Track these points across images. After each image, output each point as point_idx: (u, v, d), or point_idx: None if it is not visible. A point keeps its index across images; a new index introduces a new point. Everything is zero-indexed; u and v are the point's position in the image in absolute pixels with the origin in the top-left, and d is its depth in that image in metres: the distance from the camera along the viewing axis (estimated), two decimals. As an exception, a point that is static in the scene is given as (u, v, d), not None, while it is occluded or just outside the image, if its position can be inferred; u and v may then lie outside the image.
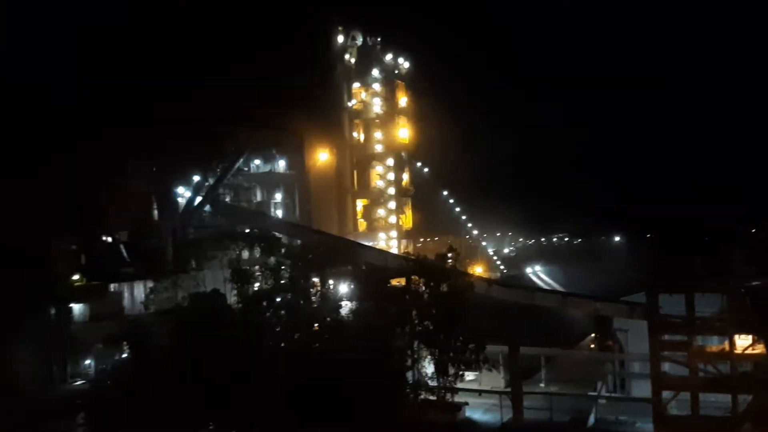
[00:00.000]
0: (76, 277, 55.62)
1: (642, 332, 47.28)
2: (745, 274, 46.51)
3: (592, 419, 49.56)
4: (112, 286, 56.40)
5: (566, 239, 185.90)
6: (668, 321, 45.48)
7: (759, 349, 44.53)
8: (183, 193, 70.34)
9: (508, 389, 52.22)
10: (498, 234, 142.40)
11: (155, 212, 67.59)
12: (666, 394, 45.40)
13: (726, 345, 45.12)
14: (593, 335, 66.22)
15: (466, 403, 51.74)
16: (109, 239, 63.96)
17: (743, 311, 44.39)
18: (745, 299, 45.18)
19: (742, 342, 45.05)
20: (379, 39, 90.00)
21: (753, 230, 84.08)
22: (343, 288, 52.81)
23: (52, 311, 50.60)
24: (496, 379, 54.82)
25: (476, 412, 52.25)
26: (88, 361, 50.91)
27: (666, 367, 46.31)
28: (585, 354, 63.87)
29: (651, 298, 46.54)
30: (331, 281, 51.63)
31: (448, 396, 48.96)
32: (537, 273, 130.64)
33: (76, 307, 52.18)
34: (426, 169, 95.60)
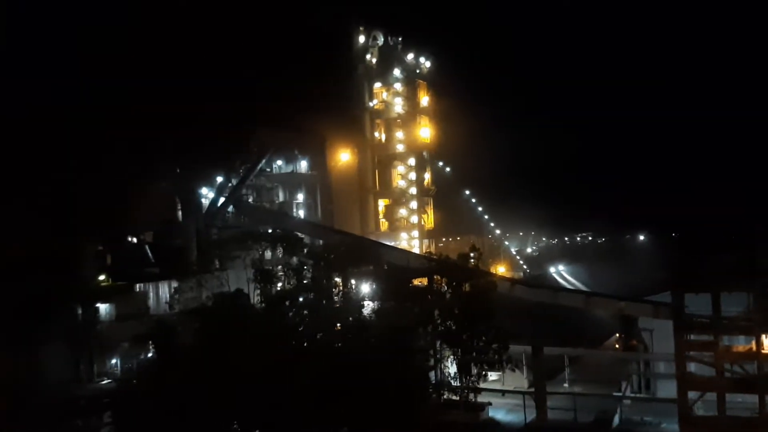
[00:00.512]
0: (102, 277, 56.42)
1: (667, 332, 46.71)
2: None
3: (616, 420, 49.11)
4: (138, 286, 57.09)
5: (590, 238, 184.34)
6: (694, 321, 44.84)
7: (788, 349, 43.80)
8: (206, 194, 71.01)
9: (532, 389, 51.93)
10: (521, 233, 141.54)
11: (179, 213, 68.33)
12: (692, 394, 44.80)
13: (753, 345, 44.40)
14: (618, 335, 65.58)
15: (489, 403, 51.54)
16: (134, 240, 64.78)
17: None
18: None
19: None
20: (400, 39, 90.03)
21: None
22: (366, 288, 52.96)
23: (80, 311, 51.36)
24: (519, 379, 54.58)
25: (499, 412, 52.03)
26: (114, 360, 51.64)
27: (692, 367, 45.71)
28: (609, 354, 63.31)
29: (677, 298, 45.92)
30: (353, 281, 51.80)
31: (471, 396, 48.82)
32: (560, 272, 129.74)
33: (103, 307, 52.96)
34: (448, 169, 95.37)
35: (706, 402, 44.97)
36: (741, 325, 44.46)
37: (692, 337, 45.21)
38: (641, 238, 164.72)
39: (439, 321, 48.72)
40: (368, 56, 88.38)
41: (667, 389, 48.76)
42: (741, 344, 46.74)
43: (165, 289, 56.82)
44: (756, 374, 43.38)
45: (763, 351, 43.66)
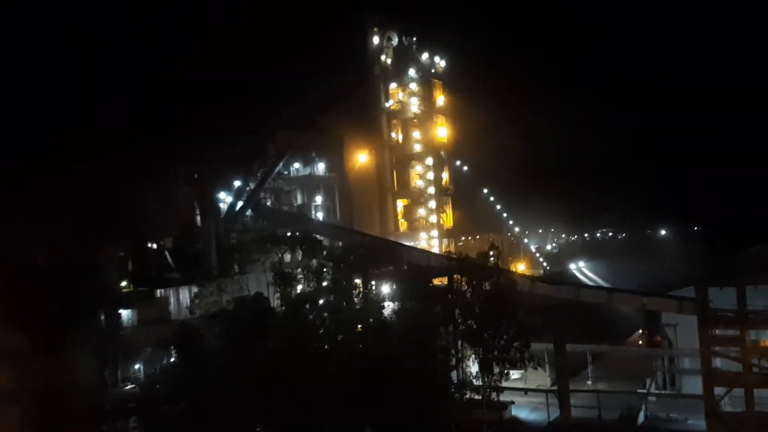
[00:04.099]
0: (123, 283, 56.90)
1: (692, 327, 46.17)
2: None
3: (641, 417, 48.59)
4: (159, 292, 57.50)
5: (610, 234, 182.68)
6: (719, 315, 44.24)
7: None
8: (225, 198, 71.37)
9: (555, 387, 51.54)
10: (540, 231, 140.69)
11: (198, 218, 68.74)
12: (718, 390, 44.16)
13: (781, 339, 43.75)
14: (641, 331, 64.90)
15: (512, 402, 51.24)
16: (155, 245, 65.25)
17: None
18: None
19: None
20: (414, 39, 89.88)
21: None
22: (386, 288, 52.84)
23: (103, 317, 51.81)
24: (542, 377, 54.20)
25: (523, 410, 51.73)
26: (137, 366, 52.00)
27: (717, 362, 45.06)
28: (633, 350, 62.60)
29: (701, 292, 45.33)
30: (373, 282, 51.70)
31: (494, 395, 48.51)
32: (581, 269, 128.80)
33: (125, 313, 53.40)
34: (465, 168, 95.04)
35: (734, 398, 44.33)
36: (767, 318, 43.78)
37: (717, 332, 44.59)
38: (663, 232, 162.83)
39: (460, 320, 48.46)
40: (383, 57, 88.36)
41: (693, 385, 48.19)
42: (768, 338, 46.03)
43: (186, 294, 57.13)
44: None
45: (791, 345, 43.00)
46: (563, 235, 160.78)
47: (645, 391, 52.14)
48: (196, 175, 67.88)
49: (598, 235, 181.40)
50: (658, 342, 56.51)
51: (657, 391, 52.48)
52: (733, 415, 43.67)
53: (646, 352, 57.94)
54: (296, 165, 79.58)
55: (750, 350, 43.56)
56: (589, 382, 55.52)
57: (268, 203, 75.99)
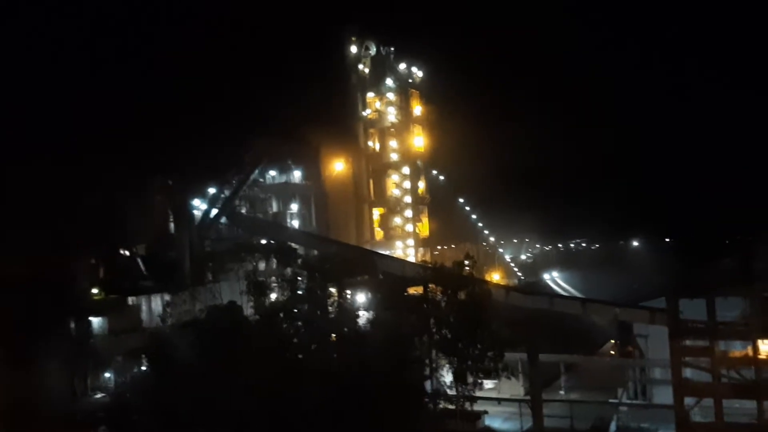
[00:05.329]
0: (95, 290, 56.04)
1: (663, 338, 46.68)
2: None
3: (613, 427, 49.04)
4: (131, 300, 56.72)
5: (584, 245, 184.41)
6: (690, 326, 44.81)
7: (784, 354, 43.75)
8: (199, 206, 70.74)
9: (528, 397, 51.76)
10: (515, 240, 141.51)
11: (172, 225, 68.01)
12: (688, 400, 44.67)
13: (750, 350, 44.34)
14: (613, 341, 65.53)
15: (486, 412, 51.35)
16: (127, 253, 64.43)
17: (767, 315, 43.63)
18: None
19: (767, 347, 44.27)
20: (392, 48, 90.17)
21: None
22: (361, 298, 52.70)
23: (73, 325, 50.99)
24: (515, 387, 54.38)
25: (496, 420, 51.88)
26: (108, 375, 51.21)
27: (688, 372, 45.60)
28: (605, 361, 63.23)
29: (672, 303, 45.90)
30: (348, 291, 51.54)
31: (467, 405, 48.57)
32: (555, 279, 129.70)
33: (96, 321, 52.54)
34: (442, 177, 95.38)
35: (703, 408, 44.85)
36: (737, 330, 44.41)
37: (688, 342, 45.16)
38: (635, 243, 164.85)
39: (434, 330, 48.51)
40: (361, 66, 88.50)
41: (664, 396, 48.68)
42: (737, 350, 46.68)
43: (158, 303, 56.46)
44: (753, 379, 43.30)
45: (760, 356, 43.62)
46: (537, 245, 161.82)
47: (617, 401, 52.60)
48: (170, 183, 67.18)
49: (572, 245, 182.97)
50: (630, 352, 57.10)
51: (628, 401, 52.95)
52: (702, 425, 44.18)
53: (618, 363, 58.51)
54: (272, 173, 79.13)
55: (719, 361, 44.14)
56: (562, 392, 55.91)
57: (243, 211, 75.43)
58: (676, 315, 45.33)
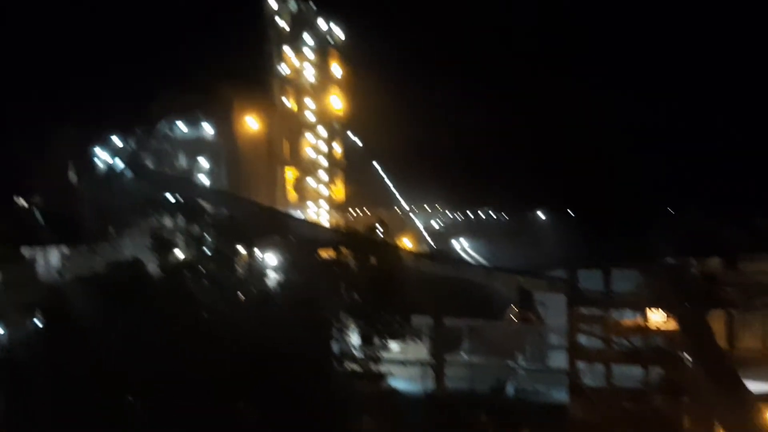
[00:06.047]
0: (-15, 242, 52.94)
1: (561, 306, 48.81)
2: (663, 253, 48.57)
3: (510, 389, 50.95)
4: (26, 252, 54.01)
5: (493, 216, 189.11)
6: (585, 295, 47.10)
7: (671, 324, 46.65)
8: (103, 158, 67.63)
9: (432, 360, 53.05)
10: (428, 208, 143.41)
11: (74, 177, 64.89)
12: (581, 365, 47.09)
13: (639, 319, 47.09)
14: (515, 308, 67.89)
15: (391, 373, 52.22)
16: (24, 203, 61.15)
17: (657, 288, 46.37)
18: (660, 277, 47.19)
19: (656, 318, 47.09)
20: (313, 5, 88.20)
21: (677, 214, 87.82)
22: (271, 259, 52.14)
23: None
24: (420, 350, 55.55)
25: (400, 382, 52.83)
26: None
27: (583, 339, 47.98)
28: (506, 326, 65.45)
29: (570, 273, 48.07)
30: (258, 252, 50.84)
31: (373, 366, 49.22)
32: (464, 247, 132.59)
33: (-14, 272, 49.81)
34: (359, 142, 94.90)
35: (594, 373, 47.39)
36: (628, 300, 47.09)
37: (584, 311, 47.46)
38: (542, 216, 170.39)
39: (344, 293, 48.66)
40: (280, 21, 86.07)
41: (559, 360, 51.03)
42: (629, 318, 49.45)
43: (56, 256, 53.97)
44: (641, 347, 46.10)
45: (648, 325, 46.43)
46: (449, 214, 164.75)
47: (515, 364, 54.74)
48: (73, 133, 63.76)
49: (482, 215, 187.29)
50: (529, 319, 59.41)
51: (526, 365, 55.20)
52: (593, 389, 46.72)
53: (518, 328, 60.76)
54: (182, 128, 76.35)
55: (611, 329, 46.71)
56: (464, 355, 57.55)
57: (150, 165, 72.67)
58: (574, 284, 47.53)
